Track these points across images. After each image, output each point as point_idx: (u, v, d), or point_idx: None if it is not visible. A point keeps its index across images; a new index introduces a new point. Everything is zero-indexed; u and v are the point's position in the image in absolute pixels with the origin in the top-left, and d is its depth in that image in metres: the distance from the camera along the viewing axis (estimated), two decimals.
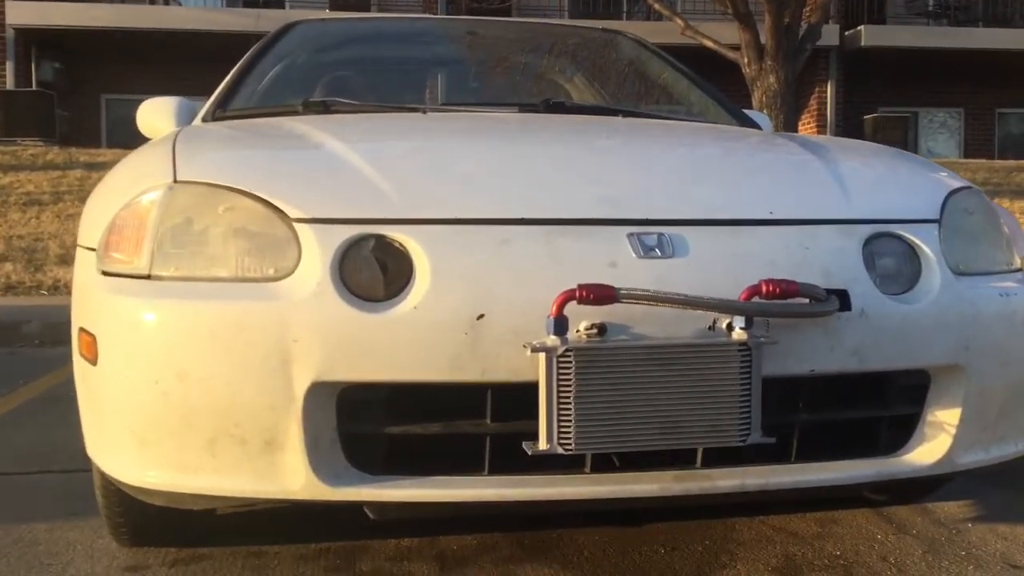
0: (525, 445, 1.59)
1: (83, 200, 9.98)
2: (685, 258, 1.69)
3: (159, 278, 1.71)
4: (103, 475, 1.93)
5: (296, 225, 1.69)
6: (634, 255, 1.67)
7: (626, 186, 1.85)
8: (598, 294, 1.55)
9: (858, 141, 2.77)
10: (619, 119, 2.67)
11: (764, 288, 1.62)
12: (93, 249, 1.87)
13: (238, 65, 3.19)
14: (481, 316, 1.59)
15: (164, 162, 1.90)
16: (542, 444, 1.57)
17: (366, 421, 1.66)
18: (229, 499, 1.70)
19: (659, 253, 1.68)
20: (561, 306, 1.56)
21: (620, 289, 1.56)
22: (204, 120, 2.86)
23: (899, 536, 2.28)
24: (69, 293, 6.71)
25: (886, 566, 2.11)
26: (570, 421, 1.55)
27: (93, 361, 1.76)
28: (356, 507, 1.70)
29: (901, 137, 14.10)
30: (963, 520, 2.39)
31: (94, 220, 1.95)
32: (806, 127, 14.30)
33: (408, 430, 1.66)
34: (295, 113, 2.73)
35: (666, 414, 1.59)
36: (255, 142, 2.20)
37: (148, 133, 3.18)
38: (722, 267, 1.69)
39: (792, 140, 2.45)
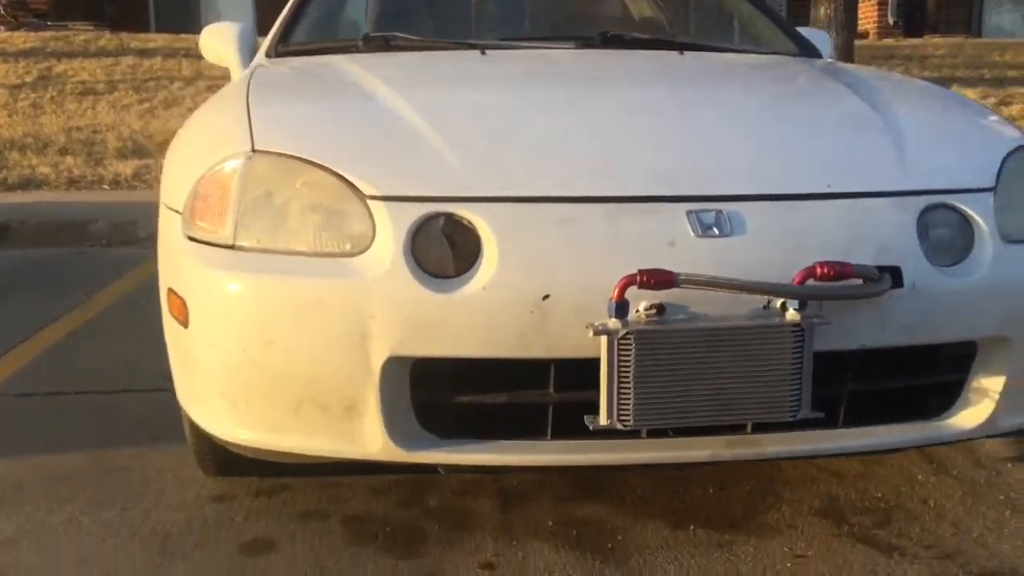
0: (587, 419, 1.70)
1: (136, 89, 9.98)
2: (742, 236, 1.75)
3: (243, 248, 1.82)
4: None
5: (370, 202, 1.77)
6: (692, 234, 1.74)
7: (685, 157, 1.90)
8: (658, 279, 1.63)
9: (911, 82, 2.76)
10: (676, 57, 2.68)
11: (819, 270, 1.69)
12: (178, 212, 1.97)
13: None
14: (547, 296, 1.68)
15: (240, 123, 1.99)
16: (603, 420, 1.68)
17: (438, 390, 1.78)
18: (314, 458, 1.85)
19: (717, 232, 1.75)
20: (623, 290, 1.64)
21: (679, 274, 1.64)
22: (268, 55, 2.92)
23: (939, 477, 2.39)
24: (130, 187, 6.78)
25: (925, 509, 2.23)
26: (629, 399, 1.66)
27: (184, 324, 1.88)
28: (430, 468, 1.83)
29: (966, 15, 13.62)
30: (1003, 460, 2.48)
31: (177, 181, 2.05)
32: (867, 9, 13.81)
33: (477, 399, 1.78)
34: (356, 49, 2.78)
35: (721, 391, 1.68)
36: (325, 103, 2.25)
37: (211, 58, 3.26)
38: (779, 245, 1.75)
39: (847, 84, 2.43)
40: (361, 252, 1.76)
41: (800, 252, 1.74)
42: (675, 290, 1.66)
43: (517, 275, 1.70)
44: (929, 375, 1.89)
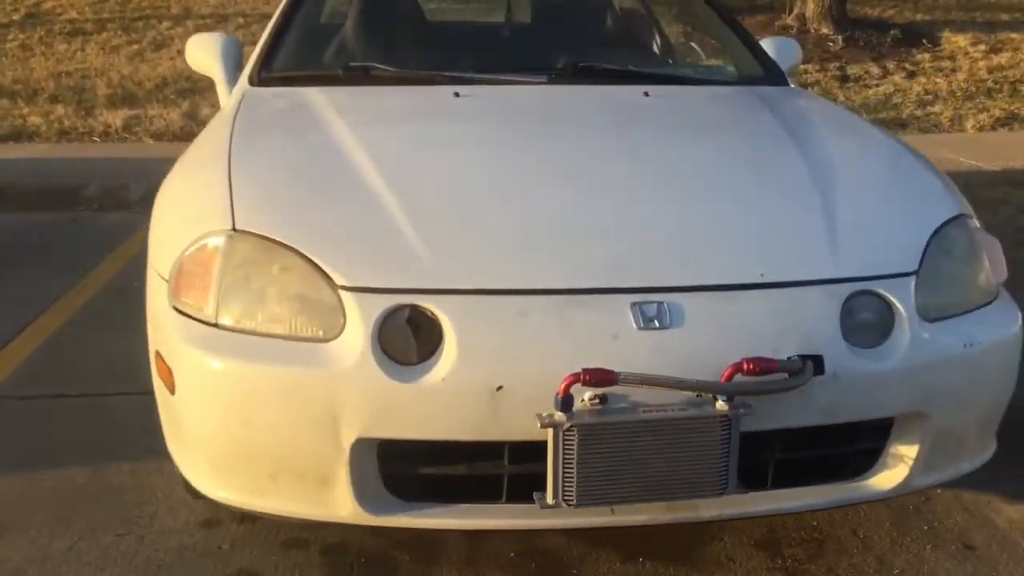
0: (536, 498, 1.89)
1: (125, 29, 9.92)
2: (680, 328, 1.92)
3: (224, 327, 1.99)
4: None
5: (341, 292, 1.94)
6: (635, 326, 1.91)
7: (632, 246, 2.04)
8: (599, 378, 1.81)
9: (862, 134, 2.84)
10: (638, 105, 2.81)
11: (745, 366, 1.86)
12: (165, 279, 2.13)
13: (280, 10, 3.33)
14: (500, 388, 1.86)
15: (222, 195, 2.14)
16: (550, 499, 1.87)
17: (403, 463, 1.97)
18: (290, 518, 2.05)
19: (657, 324, 1.91)
20: (568, 387, 1.82)
21: (619, 374, 1.81)
22: (251, 82, 3.03)
23: (872, 506, 2.59)
24: (120, 139, 6.84)
25: (854, 541, 2.44)
26: (573, 481, 1.85)
27: (171, 390, 2.06)
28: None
29: None
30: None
31: (163, 248, 2.20)
32: None
33: (439, 470, 1.98)
34: (337, 80, 2.92)
35: (655, 474, 1.87)
36: (302, 175, 2.31)
37: (196, 68, 3.37)
38: (713, 337, 1.92)
39: (795, 141, 2.55)
40: (333, 338, 1.93)
41: (732, 343, 1.90)
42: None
43: (473, 367, 1.87)
44: (850, 444, 2.08)
